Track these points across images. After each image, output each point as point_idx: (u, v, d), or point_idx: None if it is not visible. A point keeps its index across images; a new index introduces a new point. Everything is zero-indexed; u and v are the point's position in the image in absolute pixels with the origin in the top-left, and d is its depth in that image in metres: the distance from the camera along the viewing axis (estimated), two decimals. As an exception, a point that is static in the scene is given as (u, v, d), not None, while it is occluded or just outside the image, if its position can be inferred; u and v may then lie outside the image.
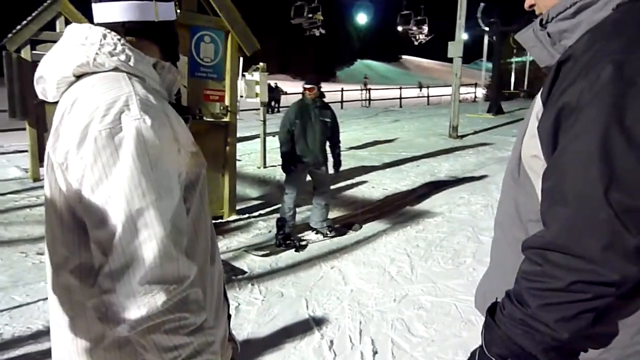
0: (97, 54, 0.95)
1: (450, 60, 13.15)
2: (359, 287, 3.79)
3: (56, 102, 1.01)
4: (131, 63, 0.97)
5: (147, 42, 1.05)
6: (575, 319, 0.80)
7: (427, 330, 3.12)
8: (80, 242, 0.92)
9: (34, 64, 7.92)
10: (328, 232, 5.09)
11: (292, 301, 3.59)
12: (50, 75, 0.99)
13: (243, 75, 8.25)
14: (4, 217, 5.61)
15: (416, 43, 20.02)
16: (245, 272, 4.14)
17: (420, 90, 31.60)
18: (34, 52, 7.93)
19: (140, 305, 0.81)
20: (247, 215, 5.82)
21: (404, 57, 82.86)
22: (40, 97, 1.05)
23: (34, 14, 8.00)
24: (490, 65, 22.82)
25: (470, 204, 6.11)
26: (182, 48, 5.32)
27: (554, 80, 0.93)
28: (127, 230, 0.82)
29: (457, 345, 2.95)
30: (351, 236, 5.07)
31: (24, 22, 7.83)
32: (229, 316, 1.24)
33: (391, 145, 11.42)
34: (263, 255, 4.54)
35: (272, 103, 20.40)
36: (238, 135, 6.04)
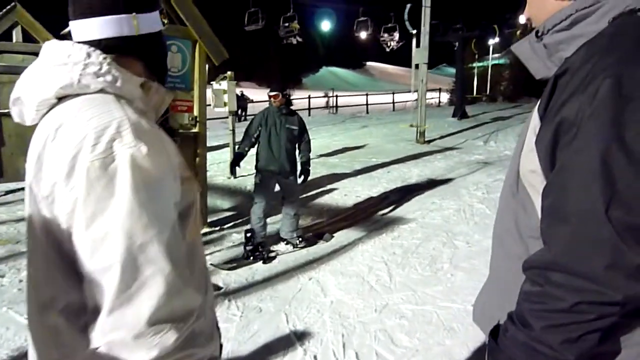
0: (81, 74, 0.87)
1: (410, 65, 13.37)
2: (338, 298, 3.74)
3: (34, 125, 0.93)
4: (118, 84, 0.89)
5: (130, 59, 0.97)
6: (581, 340, 0.78)
7: (410, 340, 3.09)
8: (68, 280, 0.82)
9: (-11, 76, 7.57)
10: (298, 243, 4.99)
11: (272, 316, 3.50)
12: (29, 97, 0.90)
13: (210, 85, 8.13)
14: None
15: (387, 50, 20.28)
16: (221, 288, 4.02)
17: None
18: (-12, 63, 7.58)
19: (150, 347, 0.75)
20: (218, 228, 5.69)
21: (368, 63, 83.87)
22: (17, 119, 0.96)
23: (-12, 24, 7.65)
24: (453, 70, 23.32)
25: (443, 209, 6.17)
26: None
27: (551, 93, 0.92)
28: (130, 268, 0.76)
29: (441, 353, 2.93)
30: (327, 245, 5.02)
31: (-22, 32, 7.48)
32: (221, 345, 1.16)
33: (361, 152, 11.47)
34: (229, 269, 4.42)
35: (239, 111, 20.23)
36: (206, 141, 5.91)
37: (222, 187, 7.90)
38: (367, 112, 25.15)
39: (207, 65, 5.93)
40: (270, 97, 4.93)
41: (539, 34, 0.99)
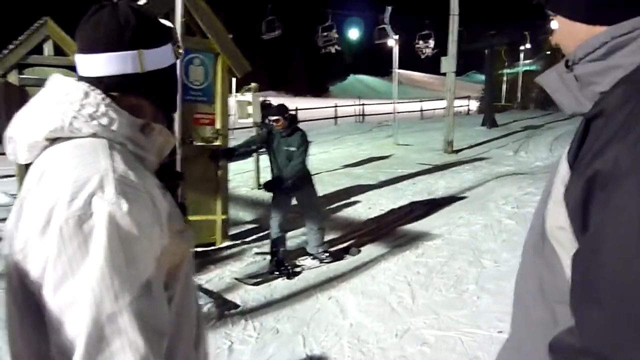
0: (74, 117, 0.82)
1: (443, 73, 13.14)
2: (358, 320, 3.61)
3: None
4: (113, 128, 0.84)
5: (133, 97, 0.91)
6: None
7: (432, 370, 2.94)
8: (41, 341, 0.76)
9: (21, 89, 7.77)
10: (324, 258, 4.91)
11: (288, 338, 3.40)
12: (20, 137, 0.86)
13: (235, 96, 8.15)
14: (-13, 249, 5.40)
15: (422, 57, 20.08)
16: (239, 306, 3.94)
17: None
18: (21, 76, 7.78)
19: None
20: (240, 241, 5.63)
21: (396, 71, 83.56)
22: (11, 158, 0.90)
23: (21, 38, 7.86)
24: (482, 77, 22.89)
25: (470, 224, 5.96)
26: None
27: (582, 139, 0.77)
28: (96, 340, 0.70)
29: (464, 386, 2.77)
30: (349, 262, 4.89)
31: (11, 46, 7.70)
32: None
33: (386, 162, 11.31)
34: (255, 284, 4.36)
35: (266, 121, 20.34)
36: (230, 156, 5.88)
37: (245, 198, 7.88)
38: (395, 121, 24.90)
39: (232, 77, 5.93)
40: (271, 121, 4.84)
41: (569, 64, 0.85)
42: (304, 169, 4.76)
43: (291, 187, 4.68)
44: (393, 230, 5.97)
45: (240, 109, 8.29)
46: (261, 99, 8.72)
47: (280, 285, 4.38)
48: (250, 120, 8.45)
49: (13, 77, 7.69)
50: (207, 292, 4.14)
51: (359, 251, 5.18)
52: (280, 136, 4.77)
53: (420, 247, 5.21)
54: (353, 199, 7.52)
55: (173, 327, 0.87)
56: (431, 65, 14.03)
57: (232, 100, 7.60)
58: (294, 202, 4.91)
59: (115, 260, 0.72)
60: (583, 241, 0.73)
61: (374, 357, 3.10)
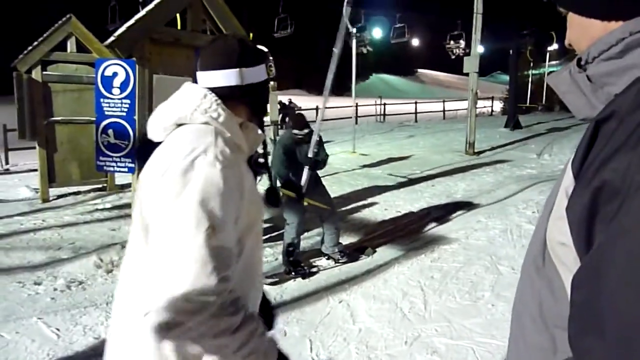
0: (195, 109, 1.17)
1: (464, 73, 12.91)
2: (367, 326, 3.53)
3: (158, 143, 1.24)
4: (220, 120, 1.17)
5: (235, 103, 1.24)
6: None
7: (441, 380, 2.84)
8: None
9: (45, 85, 7.89)
10: (339, 258, 4.86)
11: (296, 341, 3.34)
12: (159, 121, 1.23)
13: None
14: (6, 241, 5.49)
15: (453, 57, 19.89)
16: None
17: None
18: (44, 72, 7.91)
19: (168, 317, 0.94)
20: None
21: (420, 70, 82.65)
22: (150, 137, 1.25)
23: (45, 35, 7.98)
24: (507, 77, 22.46)
25: (488, 229, 5.81)
26: (187, 69, 5.18)
27: (589, 145, 0.68)
28: (176, 250, 0.97)
29: (474, 399, 2.66)
30: (361, 265, 4.81)
31: (35, 43, 7.82)
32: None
33: (405, 163, 11.15)
34: (271, 284, 4.32)
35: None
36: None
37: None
38: (416, 121, 24.66)
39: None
40: (296, 135, 4.77)
41: (582, 63, 0.76)
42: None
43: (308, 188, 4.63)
44: (408, 232, 5.86)
45: (258, 108, 8.28)
46: (281, 98, 8.70)
47: (291, 287, 4.33)
48: (268, 118, 8.43)
49: (37, 74, 7.81)
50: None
51: (374, 252, 5.10)
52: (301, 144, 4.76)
53: (435, 251, 5.10)
54: (370, 200, 7.42)
55: (244, 274, 1.18)
56: (457, 65, 13.80)
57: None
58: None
59: (202, 200, 1.00)
60: (586, 261, 0.64)
61: (382, 364, 3.02)
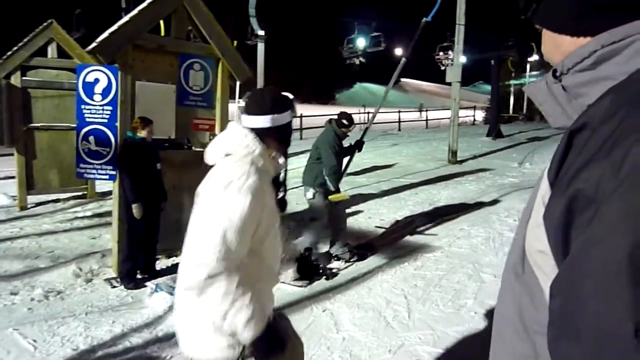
0: (239, 144, 1.64)
1: (447, 82, 13.08)
2: (351, 334, 3.51)
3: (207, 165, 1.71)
4: (256, 153, 1.63)
5: (268, 139, 1.69)
6: None
7: (425, 389, 2.83)
8: None
9: (24, 91, 7.76)
10: (349, 257, 5.09)
11: (279, 351, 3.30)
12: (213, 151, 1.69)
13: (237, 102, 8.10)
14: (-18, 250, 5.35)
15: (443, 68, 20.15)
16: (231, 316, 3.86)
17: (420, 114, 31.55)
18: (24, 78, 7.78)
19: (193, 272, 1.44)
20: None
21: (403, 80, 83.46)
22: (206, 161, 1.71)
23: (25, 40, 7.87)
24: (489, 87, 22.80)
25: (471, 237, 5.85)
26: (171, 76, 5.14)
27: (564, 154, 0.70)
28: (205, 229, 1.47)
29: (458, 407, 2.66)
30: (345, 273, 4.80)
31: (15, 48, 7.70)
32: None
33: (389, 171, 11.21)
34: (301, 286, 4.42)
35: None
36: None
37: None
38: (399, 130, 24.84)
39: (235, 82, 5.88)
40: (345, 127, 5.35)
41: (557, 74, 0.79)
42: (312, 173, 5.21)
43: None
44: (392, 241, 5.87)
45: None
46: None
47: (275, 296, 4.28)
48: (252, 126, 8.40)
49: (16, 79, 7.68)
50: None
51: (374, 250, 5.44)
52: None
53: (419, 259, 5.12)
54: (354, 208, 7.43)
55: (262, 271, 1.67)
56: (440, 75, 13.95)
57: (235, 106, 7.57)
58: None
59: (234, 205, 1.49)
60: (562, 269, 0.65)
61: (366, 373, 3.00)
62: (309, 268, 4.53)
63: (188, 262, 1.46)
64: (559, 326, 0.64)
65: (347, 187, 9.07)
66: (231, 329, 1.48)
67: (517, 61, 24.18)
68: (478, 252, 5.34)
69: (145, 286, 4.49)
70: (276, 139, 1.71)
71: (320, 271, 4.73)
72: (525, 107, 23.18)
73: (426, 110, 29.82)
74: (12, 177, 9.13)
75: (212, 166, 1.67)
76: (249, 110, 1.71)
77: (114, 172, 4.77)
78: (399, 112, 26.72)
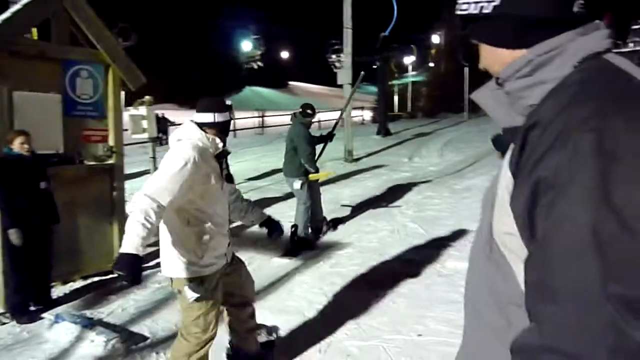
0: (185, 133, 2.58)
1: (337, 85, 13.52)
2: (280, 340, 3.47)
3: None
4: (195, 138, 2.55)
5: (211, 130, 2.63)
6: None
7: (359, 382, 2.90)
8: None
9: None
10: (326, 229, 6.07)
11: (206, 367, 3.16)
12: (172, 139, 2.62)
13: (127, 110, 7.60)
14: None
15: (335, 70, 20.46)
16: (147, 338, 3.63)
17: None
18: None
19: (141, 201, 2.27)
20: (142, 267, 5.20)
21: (291, 83, 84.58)
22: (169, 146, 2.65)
23: None
24: (373, 88, 23.96)
25: (378, 231, 6.11)
26: (55, 85, 4.68)
27: (521, 149, 0.82)
28: (153, 177, 2.41)
29: (392, 395, 2.76)
30: (265, 277, 4.73)
31: None
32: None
33: (290, 174, 11.27)
34: (290, 258, 5.24)
35: (160, 135, 19.36)
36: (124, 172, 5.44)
37: (144, 219, 7.34)
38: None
39: (122, 91, 5.50)
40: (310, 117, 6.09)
41: (500, 82, 0.94)
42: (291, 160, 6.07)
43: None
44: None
45: (134, 124, 7.75)
46: (159, 112, 8.28)
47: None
48: (146, 135, 7.94)
49: None
50: (110, 327, 3.75)
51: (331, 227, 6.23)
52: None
53: (333, 257, 5.22)
54: (260, 212, 7.35)
55: (201, 217, 2.56)
56: (327, 78, 14.35)
57: (125, 114, 7.10)
58: None
59: (170, 169, 2.40)
60: (533, 248, 0.77)
61: (300, 376, 2.99)
62: (295, 244, 4.80)
63: (140, 192, 2.32)
64: (536, 294, 0.75)
65: (251, 192, 8.98)
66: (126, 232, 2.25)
67: (399, 62, 25.79)
68: (385, 244, 5.59)
69: (41, 318, 4.04)
70: (217, 129, 2.65)
71: (307, 242, 5.53)
72: (409, 105, 24.76)
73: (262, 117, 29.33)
74: None
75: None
76: (198, 109, 2.65)
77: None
78: (293, 114, 26.94)
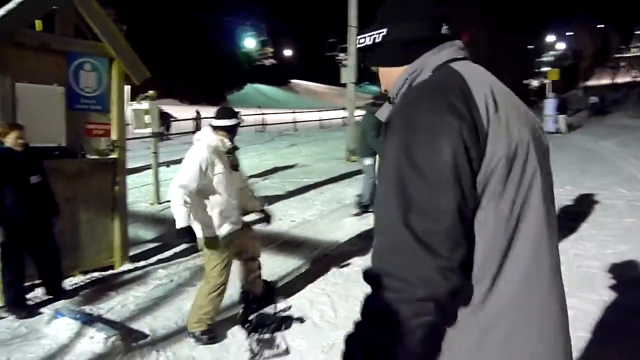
0: (202, 135, 3.57)
1: (339, 84, 13.47)
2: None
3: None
4: (209, 139, 3.50)
5: (221, 131, 3.56)
6: (406, 337, 0.84)
7: (362, 386, 2.85)
8: None
9: None
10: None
11: (207, 367, 3.12)
12: (194, 139, 3.59)
13: (130, 104, 7.56)
14: None
15: (342, 68, 20.42)
16: (148, 335, 3.58)
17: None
18: None
19: (177, 190, 3.28)
20: (143, 263, 5.17)
21: (293, 81, 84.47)
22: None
23: None
24: (375, 88, 23.87)
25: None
26: (58, 77, 4.62)
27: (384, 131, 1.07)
28: (184, 168, 3.38)
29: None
30: (266, 277, 4.69)
31: None
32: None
33: (292, 172, 11.25)
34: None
35: (162, 130, 19.32)
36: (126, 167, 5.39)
37: (145, 215, 7.31)
38: (296, 130, 25.09)
39: (126, 85, 5.45)
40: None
41: (392, 100, 1.17)
42: None
43: None
44: (305, 241, 5.88)
45: (137, 118, 7.72)
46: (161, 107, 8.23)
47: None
48: (149, 130, 7.91)
49: None
50: (110, 323, 3.70)
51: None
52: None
53: (335, 257, 5.18)
54: (262, 210, 7.31)
55: (215, 196, 3.47)
56: (329, 76, 14.31)
57: (128, 109, 7.04)
58: None
59: (189, 164, 3.36)
60: None
61: (302, 378, 2.95)
62: (362, 208, 6.86)
63: (173, 183, 3.27)
64: (375, 226, 0.96)
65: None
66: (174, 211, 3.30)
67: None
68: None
69: (40, 313, 4.00)
70: (226, 131, 3.55)
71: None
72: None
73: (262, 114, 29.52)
74: None
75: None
76: (216, 116, 3.60)
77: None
78: (294, 112, 26.96)
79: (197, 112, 22.94)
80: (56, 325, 3.69)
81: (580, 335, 3.16)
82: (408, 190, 0.88)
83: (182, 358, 3.26)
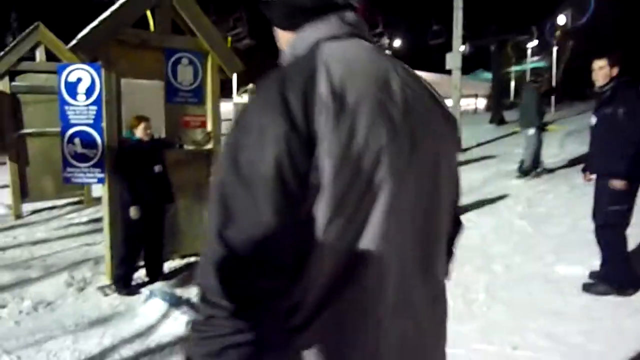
0: None
1: (449, 72, 12.77)
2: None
3: None
4: None
5: None
6: (224, 354, 0.75)
7: (437, 394, 2.61)
8: None
9: (13, 96, 7.55)
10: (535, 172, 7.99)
11: None
12: None
13: (231, 98, 7.89)
14: (-28, 262, 5.16)
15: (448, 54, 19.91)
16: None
17: None
18: (13, 83, 7.58)
19: None
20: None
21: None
22: None
23: (12, 44, 7.67)
24: (489, 75, 22.49)
25: (480, 227, 5.61)
26: (158, 72, 4.91)
27: None
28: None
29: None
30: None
31: (2, 53, 7.49)
32: None
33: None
34: None
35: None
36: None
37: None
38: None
39: (224, 78, 5.65)
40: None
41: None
42: None
43: None
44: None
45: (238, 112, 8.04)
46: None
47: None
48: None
49: (4, 85, 7.47)
50: (195, 307, 3.85)
51: None
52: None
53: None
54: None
55: None
56: (439, 64, 13.67)
57: (230, 104, 7.35)
58: None
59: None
60: None
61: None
62: (522, 172, 7.74)
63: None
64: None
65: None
66: None
67: (517, 47, 23.87)
68: (487, 242, 5.10)
69: (139, 292, 4.29)
70: None
71: None
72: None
73: None
74: (6, 186, 8.95)
75: None
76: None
77: (102, 175, 4.57)
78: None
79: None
80: (149, 305, 3.94)
81: (571, 334, 3.05)
82: (227, 195, 0.78)
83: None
